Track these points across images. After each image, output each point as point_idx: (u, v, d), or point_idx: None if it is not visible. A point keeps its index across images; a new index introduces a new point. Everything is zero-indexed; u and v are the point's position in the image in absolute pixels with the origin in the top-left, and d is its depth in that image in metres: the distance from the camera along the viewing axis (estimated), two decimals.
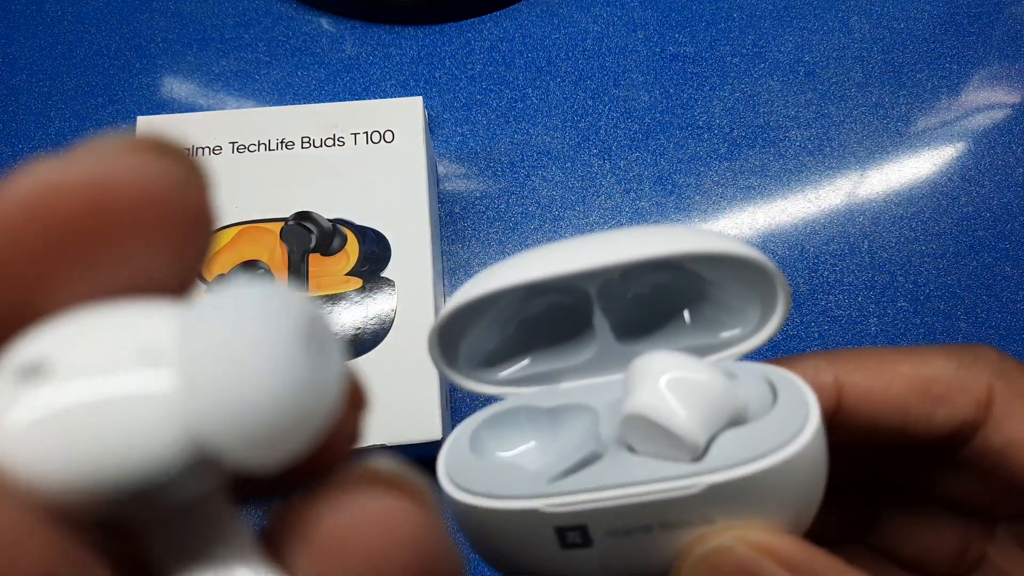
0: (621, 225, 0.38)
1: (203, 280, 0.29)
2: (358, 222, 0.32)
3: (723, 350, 0.18)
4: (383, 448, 0.29)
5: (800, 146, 0.40)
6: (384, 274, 0.31)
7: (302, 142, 0.33)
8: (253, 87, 0.41)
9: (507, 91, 0.41)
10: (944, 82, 0.42)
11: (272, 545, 0.09)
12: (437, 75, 0.42)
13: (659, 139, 0.40)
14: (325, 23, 0.43)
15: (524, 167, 0.40)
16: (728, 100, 0.41)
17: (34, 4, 0.43)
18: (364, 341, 0.30)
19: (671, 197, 0.39)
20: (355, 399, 0.10)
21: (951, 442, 0.17)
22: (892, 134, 0.41)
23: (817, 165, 0.40)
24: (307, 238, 0.32)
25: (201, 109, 0.41)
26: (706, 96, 0.41)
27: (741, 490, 0.14)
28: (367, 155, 0.33)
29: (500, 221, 0.39)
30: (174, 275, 0.09)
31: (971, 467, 0.17)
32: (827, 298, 0.37)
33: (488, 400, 0.18)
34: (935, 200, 0.39)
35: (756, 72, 0.42)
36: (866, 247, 0.38)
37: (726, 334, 0.18)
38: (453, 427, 0.20)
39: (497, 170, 0.40)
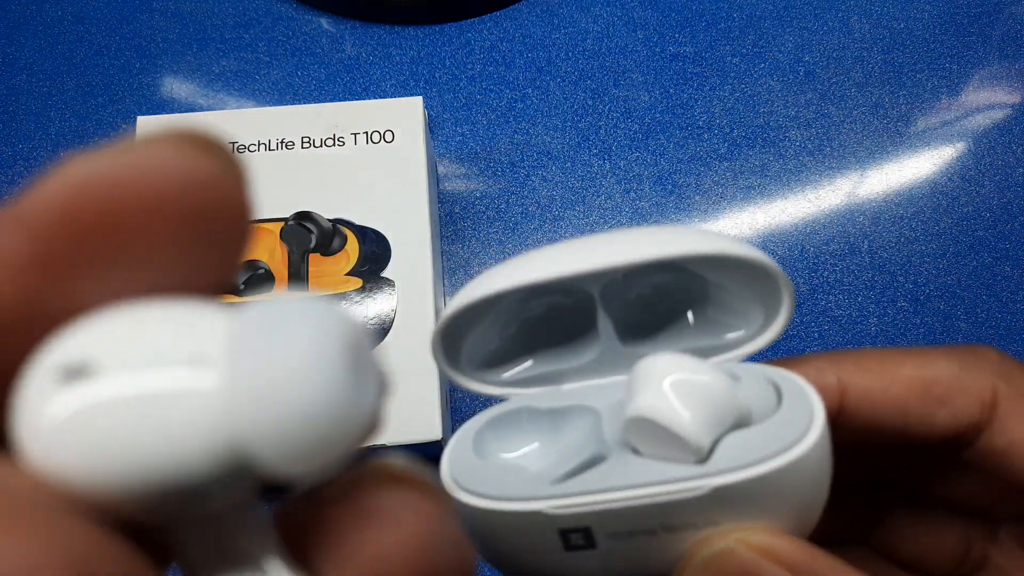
0: (621, 225, 0.38)
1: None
2: (358, 222, 0.32)
3: (727, 351, 0.18)
4: (383, 448, 0.29)
5: (800, 146, 0.40)
6: (384, 274, 0.31)
7: (302, 142, 0.33)
8: (253, 87, 0.41)
9: (507, 91, 0.41)
10: (944, 82, 0.42)
11: (287, 544, 0.09)
12: (437, 75, 0.42)
13: (659, 139, 0.40)
14: (325, 23, 0.43)
15: (524, 167, 0.40)
16: (728, 100, 0.41)
17: (34, 4, 0.43)
18: None
19: (671, 197, 0.39)
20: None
21: (953, 443, 0.17)
22: (892, 134, 0.41)
23: (817, 165, 0.40)
24: (307, 238, 0.32)
25: (201, 109, 0.41)
26: (706, 96, 0.41)
27: (746, 492, 0.14)
28: (367, 155, 0.33)
29: (500, 221, 0.39)
30: (212, 270, 0.09)
31: (974, 468, 0.17)
32: (827, 298, 0.37)
33: (489, 401, 0.18)
34: (935, 200, 0.39)
35: (756, 72, 0.42)
36: (866, 247, 0.38)
37: (730, 335, 0.18)
38: (453, 428, 0.20)
39: (497, 170, 0.40)
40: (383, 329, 0.31)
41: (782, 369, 0.16)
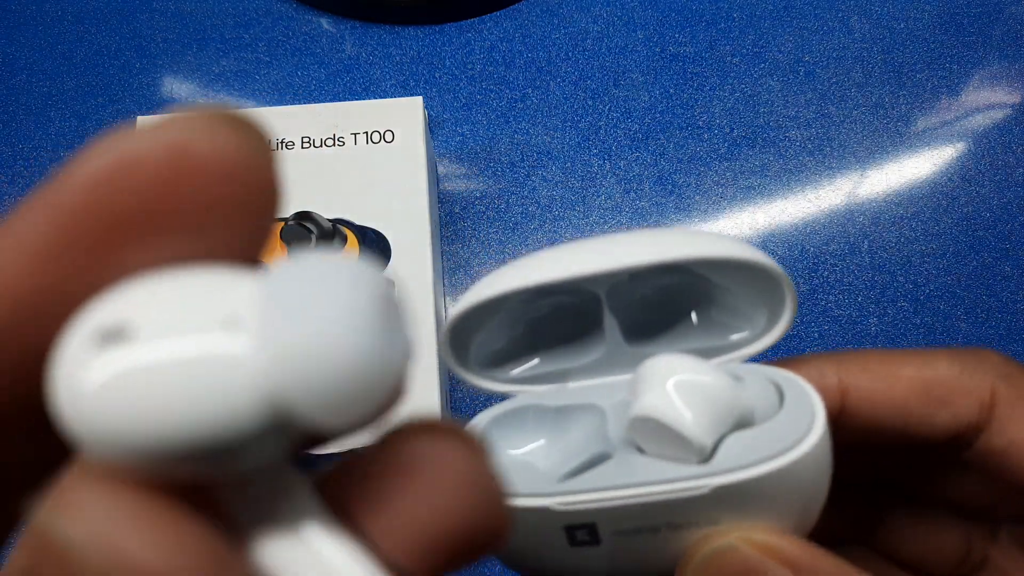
0: (621, 225, 0.38)
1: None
2: (358, 222, 0.32)
3: (730, 352, 0.18)
4: None
5: (800, 146, 0.40)
6: (384, 274, 0.31)
7: (302, 142, 0.33)
8: (253, 87, 0.41)
9: (507, 91, 0.41)
10: (944, 82, 0.42)
11: (331, 501, 0.09)
12: (437, 75, 0.42)
13: (659, 139, 0.40)
14: (325, 23, 0.43)
15: (524, 167, 0.40)
16: (728, 100, 0.41)
17: (34, 4, 0.43)
18: None
19: (671, 197, 0.39)
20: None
21: (954, 444, 0.17)
22: (892, 134, 0.41)
23: (817, 165, 0.40)
24: (307, 238, 0.32)
25: None
26: (706, 96, 0.41)
27: (747, 492, 0.15)
28: (367, 155, 0.33)
29: (500, 221, 0.39)
30: (242, 245, 0.09)
31: (974, 469, 0.18)
32: (827, 298, 0.37)
33: (488, 400, 0.18)
34: (935, 200, 0.39)
35: (756, 72, 0.42)
36: (866, 247, 0.38)
37: (733, 336, 0.18)
38: None
39: (497, 170, 0.40)
40: None
41: (784, 370, 0.17)
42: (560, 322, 0.19)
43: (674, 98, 0.41)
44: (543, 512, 0.16)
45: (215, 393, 0.08)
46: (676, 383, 0.15)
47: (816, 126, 0.41)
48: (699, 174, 0.40)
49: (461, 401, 0.35)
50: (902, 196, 0.39)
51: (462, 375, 0.19)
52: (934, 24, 0.43)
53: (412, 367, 0.09)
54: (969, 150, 0.40)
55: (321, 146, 0.33)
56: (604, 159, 0.40)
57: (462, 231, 0.38)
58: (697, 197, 0.39)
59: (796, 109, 0.41)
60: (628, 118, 0.41)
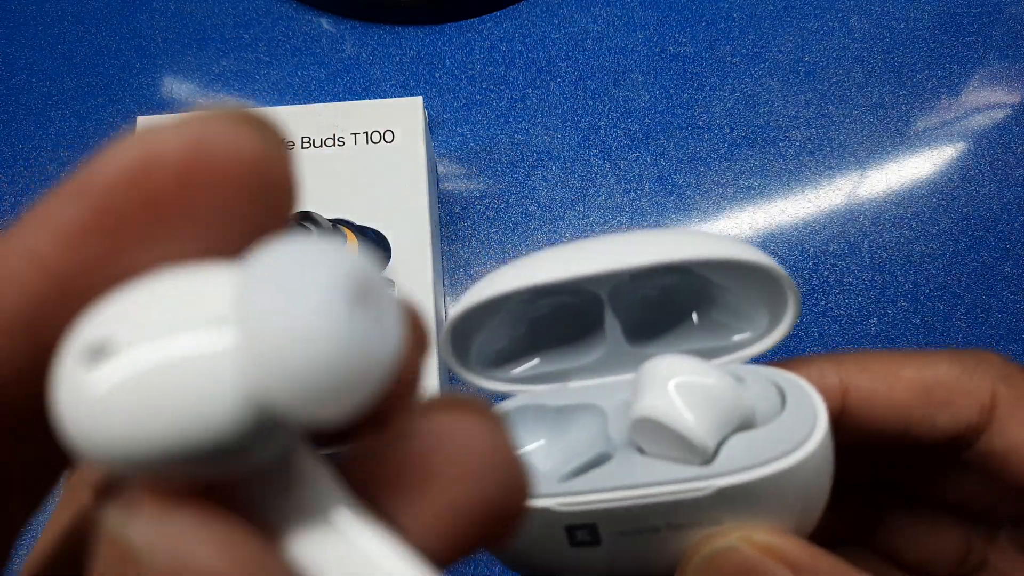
0: (621, 225, 0.38)
1: None
2: (358, 222, 0.32)
3: (732, 352, 0.18)
4: None
5: (800, 146, 0.40)
6: (384, 274, 0.31)
7: (302, 142, 0.33)
8: (253, 87, 0.41)
9: (507, 91, 0.41)
10: (944, 82, 0.42)
11: (356, 487, 0.09)
12: (437, 75, 0.42)
13: (659, 139, 0.40)
14: (325, 23, 0.43)
15: (524, 167, 0.40)
16: (728, 100, 0.41)
17: (34, 4, 0.43)
18: None
19: (671, 197, 0.39)
20: (417, 339, 0.10)
21: (954, 445, 0.17)
22: (892, 134, 0.41)
23: (817, 165, 0.40)
24: None
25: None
26: (706, 96, 0.41)
27: (749, 493, 0.15)
28: (367, 155, 0.33)
29: (500, 221, 0.39)
30: (257, 240, 0.09)
31: (974, 471, 0.18)
32: (827, 298, 0.37)
33: (490, 400, 0.18)
34: (935, 200, 0.39)
35: (756, 72, 0.42)
36: (866, 247, 0.38)
37: (735, 337, 0.18)
38: None
39: (497, 170, 0.40)
40: None
41: (786, 371, 0.17)
42: (561, 322, 0.19)
43: (674, 98, 0.41)
44: (544, 512, 0.16)
45: (198, 396, 0.08)
46: (678, 384, 0.15)
47: (816, 126, 0.41)
48: (699, 174, 0.40)
49: None
50: (902, 196, 0.39)
51: (463, 375, 0.19)
52: (934, 24, 0.43)
53: (402, 344, 0.09)
54: (969, 150, 0.40)
55: (321, 146, 0.33)
56: (604, 159, 0.40)
57: (462, 231, 0.38)
58: (697, 197, 0.39)
59: (796, 109, 0.41)
60: (628, 118, 0.41)
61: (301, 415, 0.08)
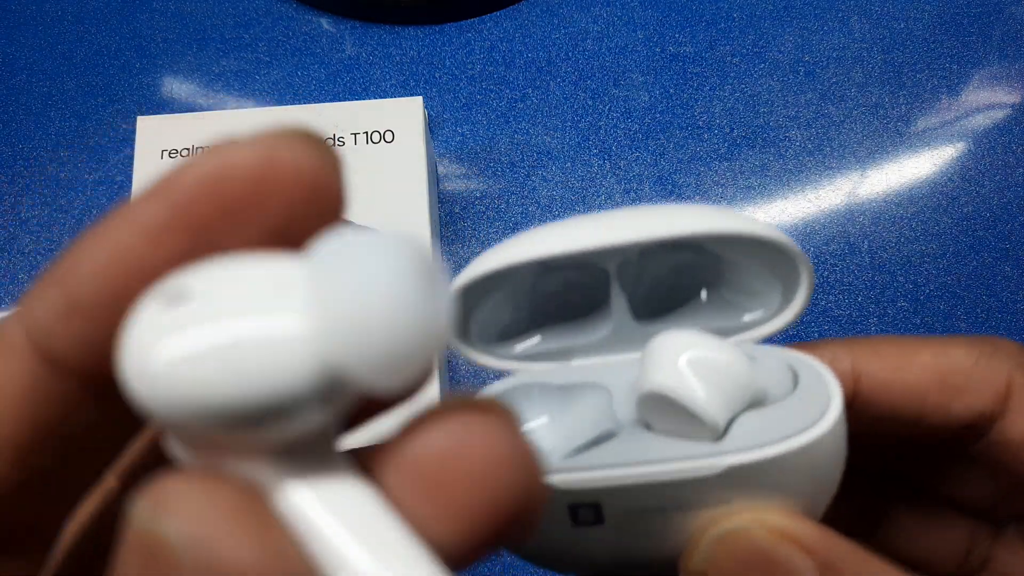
0: None
1: None
2: (358, 222, 0.32)
3: (743, 332, 0.17)
4: None
5: (800, 146, 0.40)
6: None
7: None
8: (253, 87, 0.41)
9: (507, 91, 0.41)
10: (944, 82, 0.42)
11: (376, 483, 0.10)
12: (437, 75, 0.42)
13: (659, 139, 0.40)
14: (325, 23, 0.43)
15: (524, 167, 0.40)
16: (728, 100, 0.41)
17: (34, 4, 0.43)
18: None
19: (671, 197, 0.39)
20: None
21: (967, 435, 0.17)
22: (892, 134, 0.41)
23: (817, 165, 0.40)
24: None
25: (201, 109, 0.41)
26: (706, 96, 0.41)
27: (761, 472, 0.14)
28: (367, 155, 0.33)
29: (500, 221, 0.39)
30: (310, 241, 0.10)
31: (984, 462, 0.17)
32: (827, 298, 0.37)
33: (490, 379, 0.18)
34: (935, 200, 0.39)
35: (756, 72, 0.42)
36: (866, 247, 0.38)
37: (747, 316, 0.18)
38: None
39: (497, 170, 0.40)
40: None
41: (798, 352, 0.16)
42: (566, 298, 0.18)
43: (674, 98, 0.41)
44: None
45: (274, 360, 0.08)
46: (689, 359, 0.15)
47: (816, 126, 0.41)
48: (699, 174, 0.40)
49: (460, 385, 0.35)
50: (902, 196, 0.39)
51: (463, 350, 0.18)
52: (934, 24, 0.43)
53: (451, 320, 0.09)
54: (969, 150, 0.40)
55: None
56: (604, 159, 0.40)
57: (462, 231, 0.38)
58: (697, 197, 0.39)
59: (796, 109, 0.41)
60: (628, 118, 0.41)
61: (368, 379, 0.08)
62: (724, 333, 0.17)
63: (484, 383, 0.18)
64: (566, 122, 0.41)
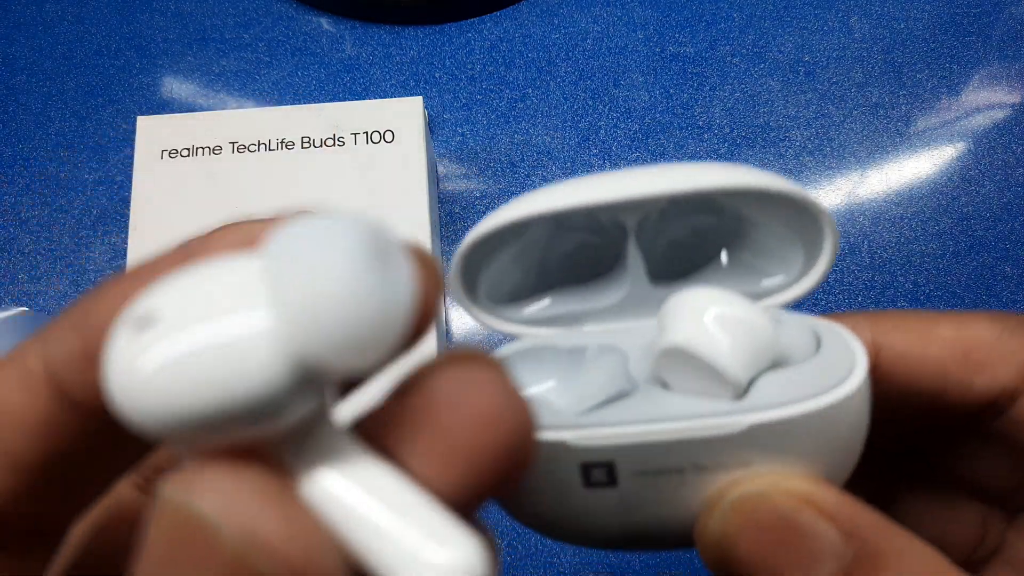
0: None
1: None
2: None
3: (763, 299, 0.17)
4: None
5: (800, 146, 0.40)
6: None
7: (302, 142, 0.33)
8: (253, 87, 0.41)
9: (507, 91, 0.41)
10: (944, 82, 0.42)
11: (373, 443, 0.10)
12: (437, 75, 0.42)
13: (659, 139, 0.40)
14: (325, 23, 0.43)
15: (524, 167, 0.40)
16: (728, 100, 0.41)
17: (34, 4, 0.43)
18: None
19: None
20: (429, 277, 0.10)
21: (987, 412, 0.16)
22: (892, 134, 0.41)
23: (817, 165, 0.40)
24: None
25: (201, 109, 0.41)
26: (706, 96, 0.41)
27: (784, 433, 0.13)
28: (367, 155, 0.33)
29: None
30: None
31: (1002, 442, 0.17)
32: (827, 298, 0.37)
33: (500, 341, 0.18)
34: (935, 200, 0.39)
35: (756, 72, 0.42)
36: (866, 247, 0.38)
37: (767, 282, 0.17)
38: None
39: (497, 170, 0.40)
40: None
41: (824, 320, 0.15)
42: (580, 259, 0.18)
43: (674, 98, 0.41)
44: (557, 447, 0.14)
45: (245, 362, 0.08)
46: (713, 315, 0.14)
47: (816, 126, 0.41)
48: None
49: None
50: (902, 196, 0.39)
51: (470, 311, 0.17)
52: (934, 24, 0.43)
53: (419, 292, 0.09)
54: (969, 150, 0.40)
55: (321, 146, 0.33)
56: (604, 159, 0.40)
57: (462, 231, 0.38)
58: None
59: (796, 109, 0.41)
60: (628, 118, 0.41)
61: (338, 365, 0.09)
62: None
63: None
64: (566, 122, 0.41)
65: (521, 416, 0.10)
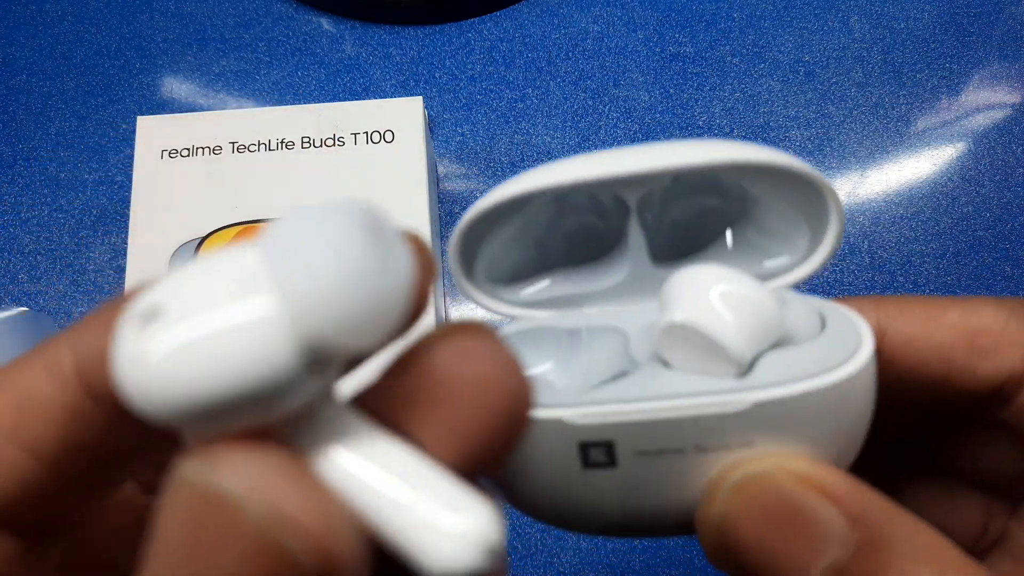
0: None
1: None
2: None
3: (768, 280, 0.16)
4: None
5: (800, 146, 0.40)
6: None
7: (302, 142, 0.33)
8: (253, 87, 0.41)
9: (507, 91, 0.41)
10: (944, 82, 0.42)
11: (376, 417, 0.10)
12: (437, 75, 0.42)
13: (659, 139, 0.40)
14: (325, 23, 0.43)
15: (524, 167, 0.40)
16: (728, 100, 0.41)
17: (34, 4, 0.43)
18: None
19: None
20: (424, 264, 0.10)
21: (992, 399, 0.16)
22: (892, 134, 0.41)
23: (817, 165, 0.40)
24: None
25: (201, 109, 0.41)
26: (706, 96, 0.41)
27: (788, 411, 0.13)
28: (367, 155, 0.33)
29: None
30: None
31: (1006, 431, 0.16)
32: (828, 297, 0.37)
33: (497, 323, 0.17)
34: (935, 200, 0.39)
35: (756, 72, 0.42)
36: (866, 247, 0.38)
37: (771, 263, 0.17)
38: None
39: (497, 170, 0.40)
40: None
41: (829, 301, 0.15)
42: (581, 239, 0.17)
43: (674, 98, 0.41)
44: (556, 425, 0.14)
45: (255, 347, 0.08)
46: (718, 292, 0.14)
47: (816, 126, 0.41)
48: None
49: None
50: (902, 196, 0.39)
51: (468, 291, 0.17)
52: (934, 24, 0.43)
53: (416, 270, 0.10)
54: (969, 150, 0.40)
55: (321, 146, 0.33)
56: None
57: None
58: None
59: (796, 109, 0.41)
60: (628, 118, 0.41)
61: (344, 345, 0.09)
62: None
63: None
64: (566, 122, 0.41)
65: (518, 382, 0.10)
